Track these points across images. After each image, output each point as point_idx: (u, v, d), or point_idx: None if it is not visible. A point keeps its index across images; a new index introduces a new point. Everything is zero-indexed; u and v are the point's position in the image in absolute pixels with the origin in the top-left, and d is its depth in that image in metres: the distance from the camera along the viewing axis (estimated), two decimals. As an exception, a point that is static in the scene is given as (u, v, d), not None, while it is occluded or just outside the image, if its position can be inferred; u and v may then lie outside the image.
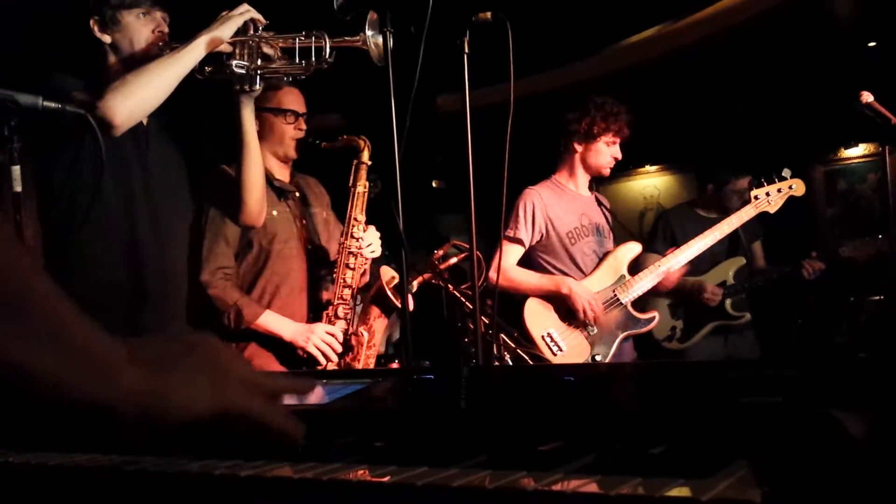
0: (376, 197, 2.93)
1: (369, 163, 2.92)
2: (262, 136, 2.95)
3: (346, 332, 2.88)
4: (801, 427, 0.79)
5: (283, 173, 3.02)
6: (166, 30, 2.36)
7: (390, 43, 2.15)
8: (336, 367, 2.83)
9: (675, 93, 6.08)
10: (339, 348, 2.84)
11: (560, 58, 6.17)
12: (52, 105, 1.85)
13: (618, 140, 3.70)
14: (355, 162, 2.94)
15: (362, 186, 2.91)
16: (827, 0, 5.29)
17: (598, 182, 4.10)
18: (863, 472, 0.74)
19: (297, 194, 3.04)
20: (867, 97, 3.41)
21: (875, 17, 5.20)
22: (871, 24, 5.41)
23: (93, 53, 2.35)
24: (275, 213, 2.89)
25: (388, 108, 2.11)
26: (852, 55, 5.56)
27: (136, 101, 2.14)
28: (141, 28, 2.33)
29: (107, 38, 2.33)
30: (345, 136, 2.95)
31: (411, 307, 2.21)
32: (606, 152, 3.69)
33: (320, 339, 2.80)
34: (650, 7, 5.56)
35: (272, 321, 2.80)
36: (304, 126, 2.98)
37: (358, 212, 2.90)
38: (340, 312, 2.87)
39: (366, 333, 2.89)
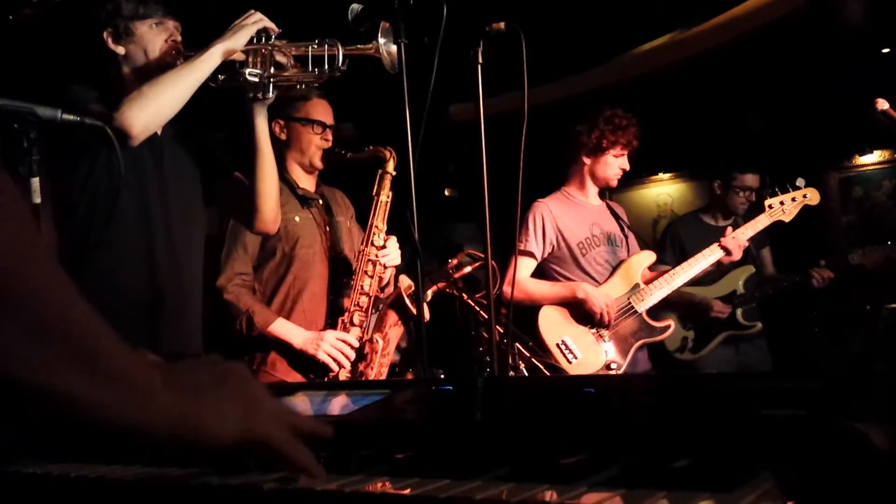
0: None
1: (394, 173, 2.94)
2: (289, 145, 2.99)
3: (360, 340, 2.88)
4: (824, 439, 0.79)
5: (308, 183, 3.04)
6: (179, 39, 2.37)
7: (404, 54, 2.15)
8: (350, 374, 2.83)
9: (688, 100, 6.06)
10: (353, 355, 2.83)
11: (573, 67, 6.17)
12: (71, 117, 1.86)
13: (626, 152, 3.71)
14: (380, 171, 2.96)
15: (385, 196, 2.94)
16: (840, 6, 5.27)
17: (612, 190, 4.09)
18: (887, 484, 0.73)
19: (321, 203, 3.05)
20: (882, 104, 3.41)
21: (889, 23, 5.17)
22: (886, 31, 5.38)
23: (107, 65, 2.37)
24: (297, 218, 2.91)
25: (402, 117, 2.12)
26: (867, 62, 5.53)
27: (152, 111, 2.15)
28: (154, 38, 2.34)
29: (120, 50, 2.34)
30: (371, 147, 2.97)
31: (427, 317, 2.21)
32: (614, 164, 3.71)
33: (331, 346, 2.80)
34: (661, 15, 5.55)
35: (283, 329, 2.80)
36: (330, 137, 3.01)
37: (379, 220, 2.92)
38: (356, 319, 2.87)
39: (380, 341, 2.89)
